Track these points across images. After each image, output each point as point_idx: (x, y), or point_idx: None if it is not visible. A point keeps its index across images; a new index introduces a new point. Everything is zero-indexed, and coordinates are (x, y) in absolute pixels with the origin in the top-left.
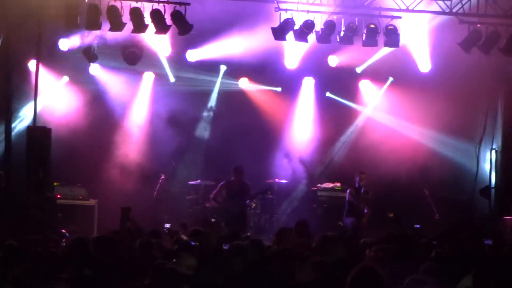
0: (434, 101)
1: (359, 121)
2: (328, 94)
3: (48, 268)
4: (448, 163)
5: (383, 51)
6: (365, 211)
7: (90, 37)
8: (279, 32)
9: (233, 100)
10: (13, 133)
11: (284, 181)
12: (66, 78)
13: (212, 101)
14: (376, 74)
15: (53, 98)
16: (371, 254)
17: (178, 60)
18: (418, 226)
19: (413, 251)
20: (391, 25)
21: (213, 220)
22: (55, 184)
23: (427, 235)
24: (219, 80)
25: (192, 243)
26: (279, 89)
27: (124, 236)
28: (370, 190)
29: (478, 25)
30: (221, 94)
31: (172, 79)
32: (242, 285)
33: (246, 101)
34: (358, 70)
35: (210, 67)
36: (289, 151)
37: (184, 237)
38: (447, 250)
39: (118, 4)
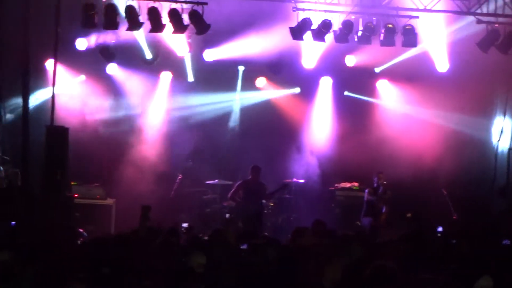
0: (452, 101)
1: (377, 121)
2: (346, 93)
3: (65, 268)
4: (466, 163)
5: (401, 51)
6: (383, 210)
7: (107, 37)
8: (297, 32)
9: (251, 100)
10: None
11: (302, 181)
12: (83, 78)
13: (231, 102)
14: (394, 74)
15: (71, 98)
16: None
17: (195, 60)
18: (440, 229)
19: (430, 250)
20: (409, 25)
21: (227, 215)
22: (72, 183)
23: (445, 235)
24: (239, 82)
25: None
26: (297, 90)
27: (143, 235)
28: (388, 190)
29: (496, 25)
30: (239, 94)
31: (191, 78)
32: (258, 285)
33: (263, 101)
34: (377, 70)
35: (228, 67)
36: (302, 147)
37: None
38: (465, 250)
39: (135, 3)
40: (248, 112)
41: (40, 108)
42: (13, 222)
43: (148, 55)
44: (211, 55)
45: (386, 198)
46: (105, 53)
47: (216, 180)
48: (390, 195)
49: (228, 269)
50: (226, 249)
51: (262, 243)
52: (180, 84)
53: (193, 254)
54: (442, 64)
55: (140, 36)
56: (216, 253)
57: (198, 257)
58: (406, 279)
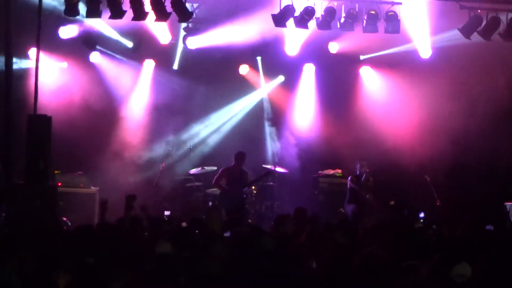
0: (435, 87)
1: (360, 108)
2: None
3: (49, 257)
4: (449, 149)
5: (384, 38)
6: (366, 197)
7: (90, 25)
8: (280, 19)
9: (234, 87)
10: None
11: (284, 171)
12: (66, 66)
13: (212, 88)
14: (377, 60)
15: (53, 86)
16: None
17: (179, 48)
18: (422, 214)
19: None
20: (392, 11)
21: (210, 203)
22: (55, 172)
23: (427, 221)
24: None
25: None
26: (281, 79)
27: (128, 225)
28: (371, 177)
29: (479, 11)
30: (220, 80)
31: (175, 66)
32: (242, 273)
33: (246, 88)
34: (362, 57)
35: (210, 54)
36: (285, 134)
37: (184, 224)
38: (446, 235)
39: None
40: (230, 100)
41: (22, 96)
42: None
43: (129, 44)
44: (194, 42)
45: (369, 185)
46: (88, 42)
47: (199, 168)
48: (373, 183)
49: (212, 257)
50: (209, 237)
51: (245, 231)
52: (163, 72)
53: (158, 243)
54: (425, 50)
55: (116, 26)
56: (199, 242)
57: (163, 246)
58: (392, 266)
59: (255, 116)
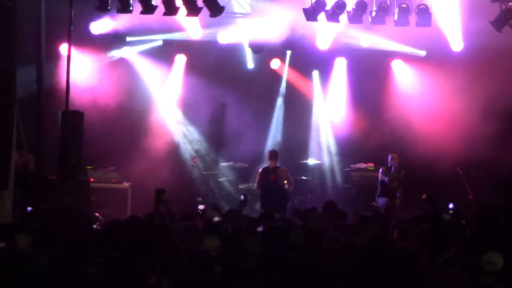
0: (467, 80)
1: (393, 101)
2: None
3: (81, 252)
4: (484, 142)
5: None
6: (398, 194)
7: (121, 21)
8: (311, 13)
9: (266, 81)
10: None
11: (318, 162)
12: (97, 62)
13: (246, 84)
14: (408, 54)
15: (85, 82)
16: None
17: (209, 42)
18: (451, 205)
19: (445, 231)
20: (423, 4)
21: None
22: (88, 167)
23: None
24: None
25: (225, 225)
26: (315, 72)
27: (158, 219)
28: (402, 169)
29: (510, 3)
30: (254, 75)
31: (207, 61)
32: (273, 267)
33: (278, 82)
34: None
35: (241, 48)
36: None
37: (216, 219)
38: (476, 230)
39: None
40: (262, 94)
41: (54, 92)
42: (30, 208)
43: (159, 39)
44: (224, 37)
45: (400, 177)
46: (120, 37)
47: (231, 162)
48: (404, 175)
49: (244, 251)
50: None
51: (280, 225)
52: (194, 67)
53: (206, 238)
54: (456, 43)
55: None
56: (232, 235)
57: (212, 241)
58: (427, 261)
59: (286, 110)
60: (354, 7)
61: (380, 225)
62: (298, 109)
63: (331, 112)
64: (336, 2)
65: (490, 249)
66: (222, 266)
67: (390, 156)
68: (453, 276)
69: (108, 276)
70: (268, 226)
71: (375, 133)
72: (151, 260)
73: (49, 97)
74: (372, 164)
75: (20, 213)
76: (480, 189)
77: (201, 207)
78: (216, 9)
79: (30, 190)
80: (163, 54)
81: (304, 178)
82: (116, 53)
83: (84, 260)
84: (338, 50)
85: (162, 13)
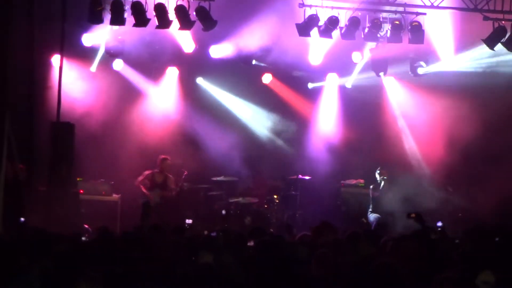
0: (460, 98)
1: (384, 118)
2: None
3: (73, 264)
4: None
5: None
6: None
7: (114, 33)
8: (304, 28)
9: (258, 96)
10: (35, 129)
11: (307, 177)
12: (89, 73)
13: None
14: (400, 71)
15: (76, 93)
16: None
17: (201, 56)
18: (440, 224)
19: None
20: (416, 21)
21: (223, 212)
22: (78, 179)
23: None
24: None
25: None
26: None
27: (146, 232)
28: (390, 183)
29: (503, 22)
30: (246, 90)
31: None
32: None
33: (270, 97)
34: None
35: (233, 63)
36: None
37: (205, 232)
38: (469, 248)
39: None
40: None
41: (45, 103)
42: (22, 219)
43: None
44: (217, 51)
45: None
46: (111, 49)
47: (221, 177)
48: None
49: (236, 266)
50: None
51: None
52: (186, 80)
53: (201, 253)
54: (448, 61)
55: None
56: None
57: (205, 256)
58: (408, 278)
59: (278, 125)
60: (347, 23)
61: (370, 241)
62: (289, 123)
63: (322, 128)
64: (329, 17)
65: (484, 267)
66: (216, 280)
67: (378, 171)
68: None
69: None
70: (259, 241)
71: (366, 149)
72: (146, 275)
73: (40, 108)
74: (362, 181)
75: (11, 223)
76: (473, 207)
77: (188, 221)
78: (209, 23)
79: (20, 201)
80: (155, 66)
81: (294, 193)
82: (108, 65)
83: (75, 273)
84: (330, 66)
85: (155, 26)
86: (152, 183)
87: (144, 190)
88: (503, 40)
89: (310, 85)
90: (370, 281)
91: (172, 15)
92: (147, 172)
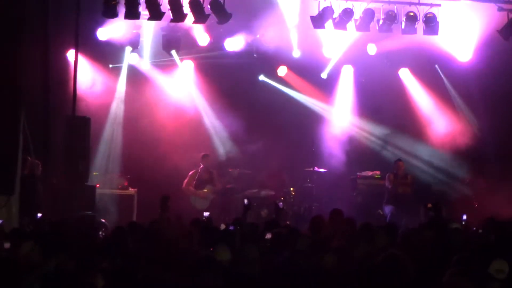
0: (476, 90)
1: (399, 109)
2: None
3: (88, 258)
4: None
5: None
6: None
7: (130, 26)
8: (318, 21)
9: (272, 88)
10: (51, 123)
11: (323, 170)
12: (104, 68)
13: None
14: (415, 63)
15: (92, 88)
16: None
17: (216, 49)
18: (464, 217)
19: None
20: (430, 13)
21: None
22: (94, 173)
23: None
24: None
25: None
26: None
27: (163, 225)
28: (409, 174)
29: None
30: (260, 83)
31: (213, 67)
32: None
33: (284, 89)
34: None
35: (249, 55)
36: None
37: (223, 226)
38: (493, 238)
39: None
40: (269, 101)
41: (61, 98)
42: (39, 214)
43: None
44: (232, 44)
45: (407, 183)
46: (126, 43)
47: (237, 169)
48: (411, 180)
49: (252, 259)
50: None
51: (286, 232)
52: (201, 73)
53: (218, 249)
54: (464, 53)
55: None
56: (239, 244)
57: (223, 252)
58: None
59: (295, 118)
60: (361, 15)
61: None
62: (304, 116)
63: (337, 119)
64: (343, 9)
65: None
66: (231, 273)
67: (395, 164)
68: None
69: (111, 284)
70: (275, 233)
71: (380, 141)
72: (157, 267)
73: (56, 103)
74: (378, 172)
75: (28, 219)
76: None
77: (206, 214)
78: (223, 16)
79: (36, 195)
80: (171, 60)
81: (310, 185)
82: (124, 59)
83: (91, 267)
84: (345, 58)
85: (170, 20)
86: (199, 181)
87: (193, 191)
88: None
89: (324, 75)
90: (378, 273)
91: (186, 9)
92: (191, 173)
